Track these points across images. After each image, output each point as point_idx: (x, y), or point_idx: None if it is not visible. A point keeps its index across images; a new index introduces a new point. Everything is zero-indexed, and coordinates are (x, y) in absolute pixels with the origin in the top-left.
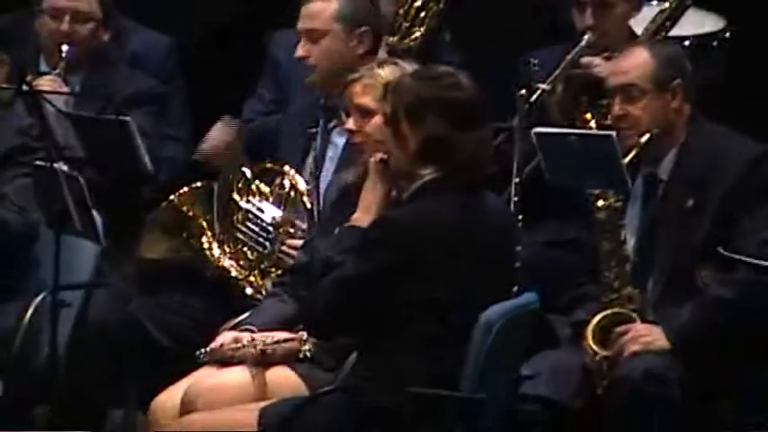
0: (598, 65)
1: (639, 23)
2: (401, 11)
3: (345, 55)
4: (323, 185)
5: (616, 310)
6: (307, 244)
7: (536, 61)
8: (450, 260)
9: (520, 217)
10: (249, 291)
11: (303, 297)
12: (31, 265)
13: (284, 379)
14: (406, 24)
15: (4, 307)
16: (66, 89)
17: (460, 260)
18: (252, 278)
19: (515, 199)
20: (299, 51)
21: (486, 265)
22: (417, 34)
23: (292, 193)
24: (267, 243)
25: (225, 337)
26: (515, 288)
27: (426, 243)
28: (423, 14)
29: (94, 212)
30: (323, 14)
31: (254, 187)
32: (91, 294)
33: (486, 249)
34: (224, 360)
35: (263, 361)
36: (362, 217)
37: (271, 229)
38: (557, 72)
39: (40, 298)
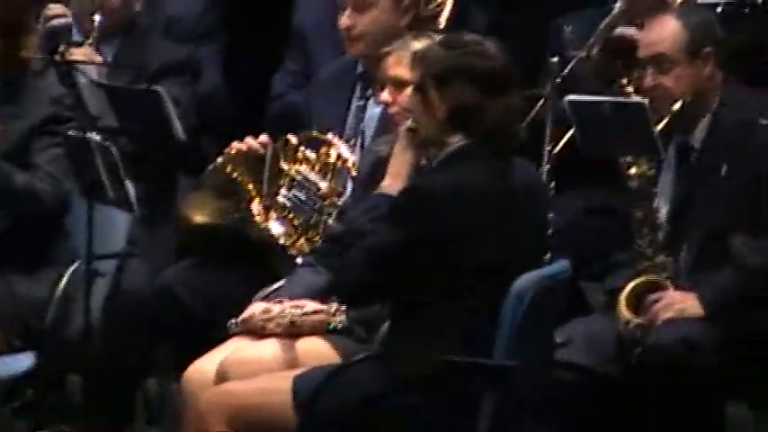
0: (631, 35)
1: None
2: None
3: (391, 26)
4: (358, 155)
5: (650, 277)
6: (341, 213)
7: (569, 27)
8: (481, 227)
9: (552, 184)
10: (298, 258)
11: (336, 266)
12: (64, 234)
13: (316, 350)
14: None
15: (36, 276)
16: (98, 59)
17: (491, 227)
18: (298, 244)
19: (548, 167)
20: (345, 21)
21: (517, 232)
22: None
23: (339, 163)
24: (313, 212)
25: (256, 308)
26: (548, 255)
27: (457, 211)
28: None
29: (127, 182)
30: None
31: (300, 155)
32: (124, 264)
33: (517, 216)
34: (255, 331)
35: (292, 332)
36: (392, 184)
37: (316, 198)
38: (592, 39)
39: (73, 267)
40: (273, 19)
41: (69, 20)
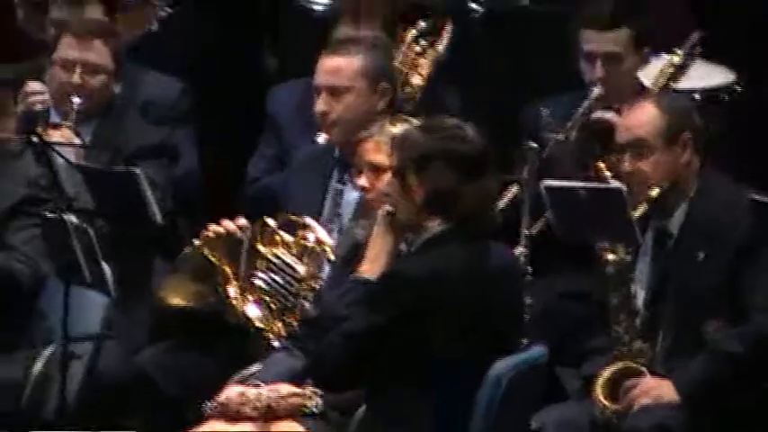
0: (609, 119)
1: (648, 75)
2: (400, 58)
3: (367, 111)
4: (335, 239)
5: (626, 363)
6: (318, 297)
7: (546, 110)
8: (458, 312)
9: (529, 269)
10: (275, 342)
11: (312, 351)
12: (40, 315)
13: None
14: (406, 73)
15: (11, 357)
16: (76, 140)
17: (468, 312)
18: (275, 328)
19: (524, 250)
20: (320, 106)
21: (494, 316)
22: (418, 81)
23: (316, 247)
24: (290, 295)
25: (232, 391)
26: (524, 341)
27: (434, 296)
28: (422, 61)
29: (104, 263)
30: (346, 70)
31: (277, 238)
32: (100, 346)
33: (493, 301)
34: (230, 414)
35: (268, 416)
36: (370, 268)
37: (293, 282)
38: (570, 123)
39: (49, 349)
40: (248, 103)
41: (47, 98)
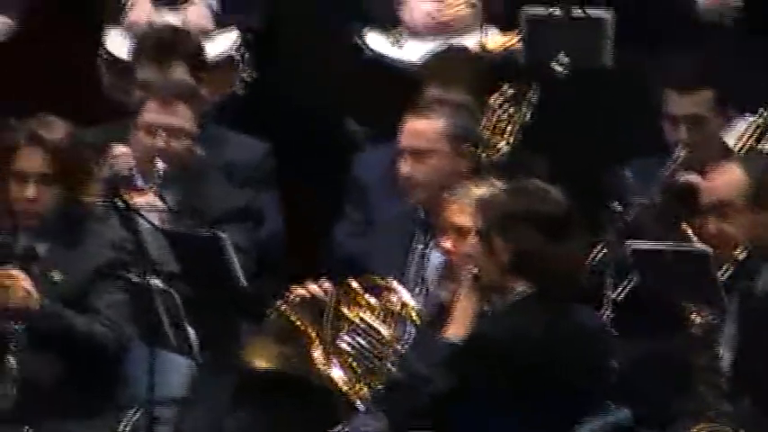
0: (693, 182)
1: (732, 136)
2: (486, 122)
3: (451, 173)
4: (419, 301)
5: (712, 426)
6: (402, 359)
7: (631, 174)
8: (543, 374)
9: (614, 331)
10: (359, 404)
11: (396, 413)
12: (124, 379)
13: None
14: (492, 136)
15: (96, 422)
16: (160, 204)
17: (553, 375)
18: (359, 390)
19: (610, 313)
20: (405, 169)
21: (578, 379)
22: (503, 144)
23: (400, 309)
24: (374, 358)
25: None
26: (609, 403)
27: (519, 359)
28: (509, 126)
29: (188, 327)
30: (430, 133)
31: (361, 300)
32: (185, 410)
33: (578, 364)
34: None
35: None
36: (454, 331)
37: (377, 344)
38: (654, 186)
39: (134, 413)
40: (333, 165)
41: (132, 162)
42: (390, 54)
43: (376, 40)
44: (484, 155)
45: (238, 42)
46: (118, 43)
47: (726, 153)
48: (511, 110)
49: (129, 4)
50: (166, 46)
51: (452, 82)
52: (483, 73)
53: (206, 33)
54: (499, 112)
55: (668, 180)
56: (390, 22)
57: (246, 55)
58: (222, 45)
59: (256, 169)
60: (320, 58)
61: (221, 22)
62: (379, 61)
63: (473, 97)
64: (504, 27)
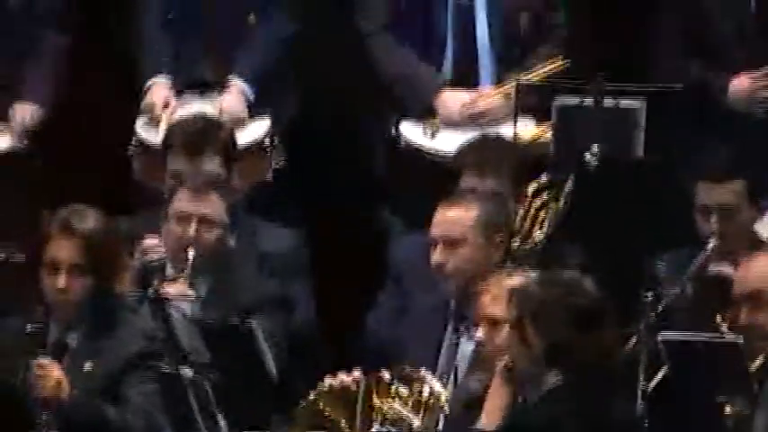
0: (726, 273)
1: (765, 227)
2: (521, 212)
3: (483, 263)
4: (451, 392)
5: None
6: None
7: (663, 264)
8: None
9: (647, 422)
10: None
11: None
12: None
13: None
14: (528, 226)
15: None
16: (191, 293)
17: None
18: None
19: (642, 404)
20: (437, 258)
21: None
22: (538, 235)
23: (431, 400)
24: None
25: None
26: None
27: None
28: (543, 215)
29: (219, 417)
30: (462, 222)
31: (392, 390)
32: None
33: None
34: None
35: None
36: (487, 421)
37: None
38: (686, 276)
39: None
40: (366, 252)
41: (163, 253)
42: (424, 144)
43: (410, 131)
44: (520, 244)
45: (271, 131)
46: (149, 130)
47: (758, 244)
48: (547, 199)
49: (146, 88)
50: (197, 137)
51: (487, 171)
52: (518, 162)
53: (241, 122)
54: (536, 201)
55: (701, 270)
56: (425, 113)
57: (278, 143)
58: (254, 133)
59: (287, 259)
60: (355, 147)
61: (255, 110)
62: (414, 151)
63: (509, 187)
64: (539, 117)
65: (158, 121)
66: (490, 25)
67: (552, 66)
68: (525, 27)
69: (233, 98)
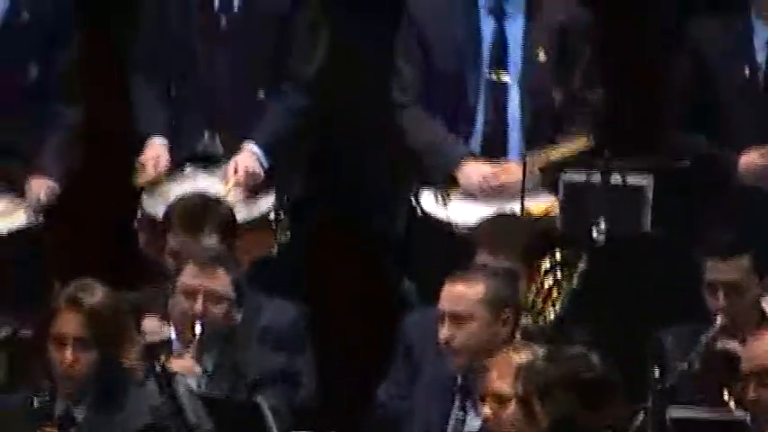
0: (733, 349)
1: None
2: (533, 288)
3: (490, 339)
4: None
5: None
6: None
7: (670, 340)
8: None
9: None
10: None
11: None
12: None
13: None
14: (540, 303)
15: None
16: (198, 368)
17: None
18: None
19: None
20: (443, 333)
21: None
22: (550, 312)
23: None
24: None
25: None
26: None
27: None
28: (555, 294)
29: None
30: (468, 297)
31: None
32: None
33: None
34: None
35: None
36: None
37: None
38: (693, 352)
39: None
40: (374, 326)
41: (166, 334)
42: (438, 214)
43: (429, 200)
44: (531, 321)
45: (276, 205)
46: (153, 203)
47: (765, 320)
48: (559, 276)
49: (145, 146)
50: (196, 214)
51: (500, 249)
52: (531, 240)
53: (258, 177)
54: (548, 278)
55: (708, 346)
56: (445, 182)
57: (283, 217)
58: (260, 208)
59: (289, 332)
60: (369, 217)
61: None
62: (433, 221)
63: (521, 263)
64: (547, 192)
65: (155, 183)
66: (522, 100)
67: (579, 144)
68: (559, 104)
69: (247, 156)
